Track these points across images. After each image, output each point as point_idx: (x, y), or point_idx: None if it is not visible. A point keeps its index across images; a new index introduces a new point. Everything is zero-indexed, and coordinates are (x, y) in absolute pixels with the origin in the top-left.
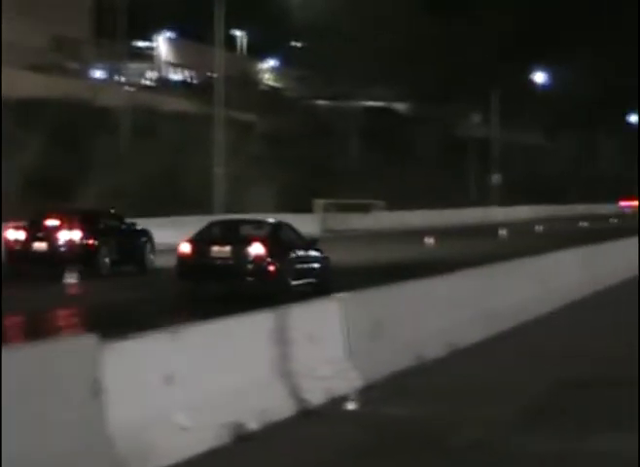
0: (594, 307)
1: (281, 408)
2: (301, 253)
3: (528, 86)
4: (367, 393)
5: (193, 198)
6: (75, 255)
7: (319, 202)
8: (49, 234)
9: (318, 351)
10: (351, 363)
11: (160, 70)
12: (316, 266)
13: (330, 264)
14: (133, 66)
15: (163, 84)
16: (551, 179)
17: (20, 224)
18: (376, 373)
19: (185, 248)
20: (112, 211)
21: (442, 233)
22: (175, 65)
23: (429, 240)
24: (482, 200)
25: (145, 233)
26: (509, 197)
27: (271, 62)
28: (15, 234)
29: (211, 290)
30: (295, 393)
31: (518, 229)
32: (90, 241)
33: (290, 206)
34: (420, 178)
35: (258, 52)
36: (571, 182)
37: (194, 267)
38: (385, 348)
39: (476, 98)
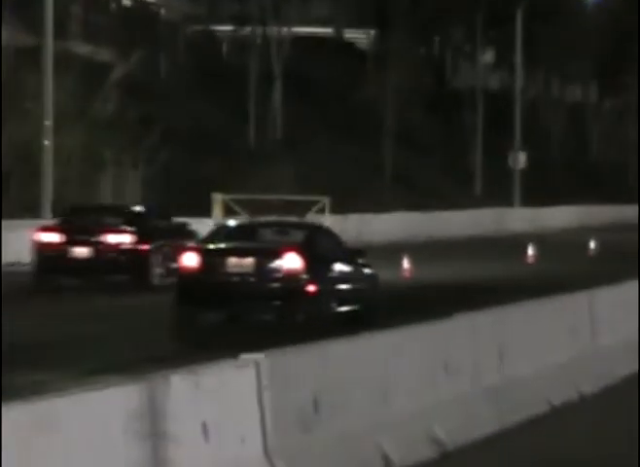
0: None
1: None
2: (344, 268)
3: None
4: None
5: (9, 189)
6: (124, 263)
7: (218, 198)
8: (91, 237)
9: (215, 450)
10: None
11: None
12: (363, 287)
13: (379, 285)
14: None
15: None
16: (611, 160)
17: (52, 224)
18: None
19: (190, 260)
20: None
21: (422, 250)
22: None
23: (404, 263)
24: (495, 197)
25: (194, 234)
26: (538, 192)
27: None
28: (47, 237)
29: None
30: None
31: (558, 244)
32: (144, 247)
33: (172, 203)
34: (390, 159)
35: None
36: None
37: (202, 286)
38: (326, 445)
39: (484, 24)
